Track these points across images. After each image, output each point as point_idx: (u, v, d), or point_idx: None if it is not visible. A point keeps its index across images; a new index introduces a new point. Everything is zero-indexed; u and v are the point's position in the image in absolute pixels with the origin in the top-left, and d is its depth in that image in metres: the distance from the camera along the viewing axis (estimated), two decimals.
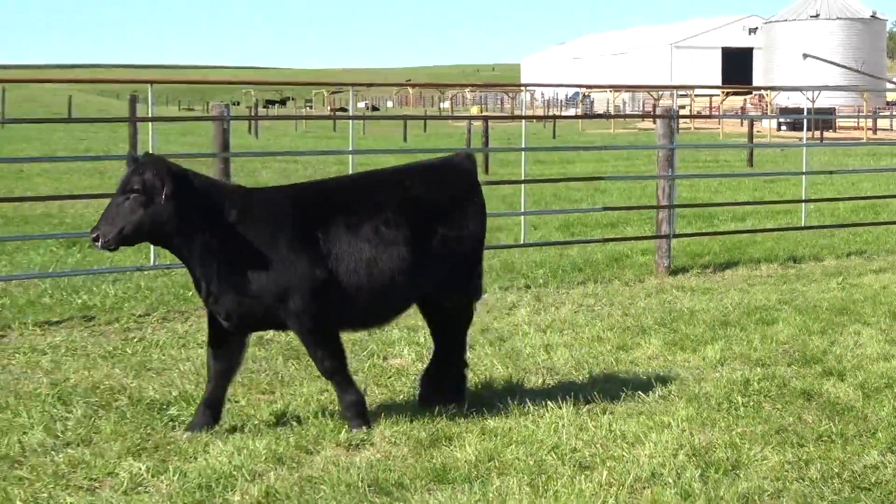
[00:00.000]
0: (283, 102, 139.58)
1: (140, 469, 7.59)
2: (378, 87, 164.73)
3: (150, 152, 8.48)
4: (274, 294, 8.27)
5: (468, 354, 9.44)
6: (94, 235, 8.06)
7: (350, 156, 16.26)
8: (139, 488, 7.36)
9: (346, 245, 8.44)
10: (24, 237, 16.99)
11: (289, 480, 7.44)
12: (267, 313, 8.37)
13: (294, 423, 8.60)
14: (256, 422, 8.68)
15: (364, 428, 8.46)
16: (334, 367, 8.51)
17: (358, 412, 8.54)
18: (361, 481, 7.39)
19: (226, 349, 8.55)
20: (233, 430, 8.46)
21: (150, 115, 15.58)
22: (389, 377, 10.13)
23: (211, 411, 8.58)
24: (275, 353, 10.94)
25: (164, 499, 7.15)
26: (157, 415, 8.89)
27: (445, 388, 9.11)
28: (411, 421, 8.61)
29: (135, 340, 11.58)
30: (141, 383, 9.79)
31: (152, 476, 7.52)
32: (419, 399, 9.15)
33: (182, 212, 8.15)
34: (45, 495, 7.19)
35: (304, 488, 7.31)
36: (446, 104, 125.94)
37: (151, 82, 15.15)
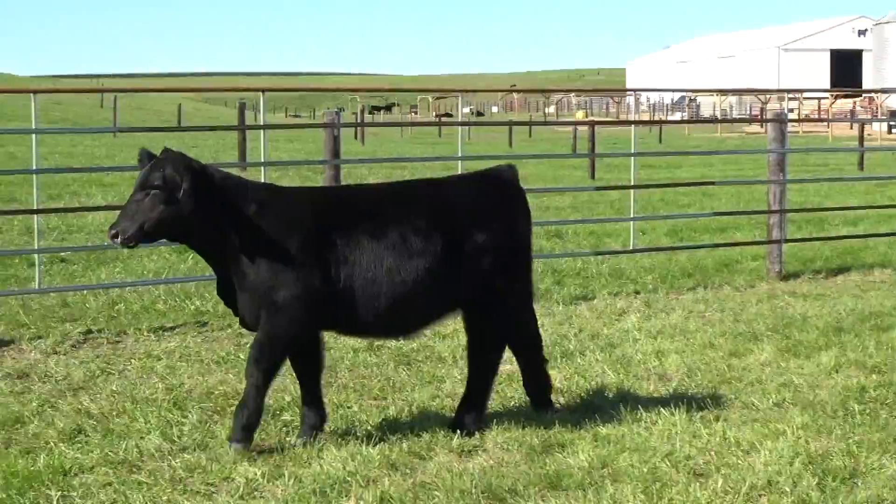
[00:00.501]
0: (388, 108, 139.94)
1: (255, 474, 7.66)
2: (483, 93, 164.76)
3: (170, 148, 8.37)
4: (265, 289, 8.18)
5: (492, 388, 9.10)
6: (114, 232, 7.97)
7: (459, 161, 16.28)
8: (255, 493, 7.43)
9: (366, 252, 8.30)
10: None
11: (403, 486, 7.47)
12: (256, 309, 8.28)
13: (407, 429, 8.63)
14: (369, 427, 8.72)
15: (239, 447, 8.18)
16: (261, 380, 8.25)
17: (248, 427, 8.26)
18: (475, 487, 7.40)
19: (300, 349, 8.51)
20: (346, 435, 8.49)
21: (262, 123, 15.72)
22: (500, 383, 10.11)
23: (313, 411, 8.62)
24: (386, 359, 10.98)
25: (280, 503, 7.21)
26: (272, 420, 8.96)
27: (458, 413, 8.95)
28: (523, 427, 8.61)
29: (247, 346, 11.66)
30: None
31: (267, 481, 7.59)
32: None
33: (201, 208, 8.06)
34: (164, 499, 7.29)
35: (417, 494, 7.34)
36: (551, 109, 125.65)
37: (263, 90, 15.26)
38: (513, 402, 9.53)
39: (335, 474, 7.62)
